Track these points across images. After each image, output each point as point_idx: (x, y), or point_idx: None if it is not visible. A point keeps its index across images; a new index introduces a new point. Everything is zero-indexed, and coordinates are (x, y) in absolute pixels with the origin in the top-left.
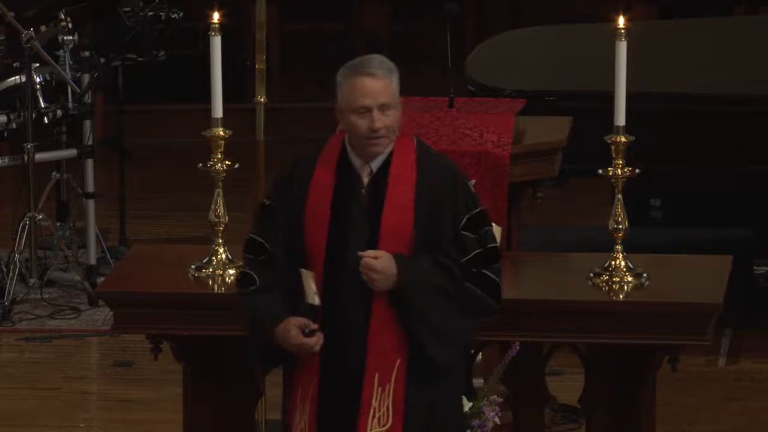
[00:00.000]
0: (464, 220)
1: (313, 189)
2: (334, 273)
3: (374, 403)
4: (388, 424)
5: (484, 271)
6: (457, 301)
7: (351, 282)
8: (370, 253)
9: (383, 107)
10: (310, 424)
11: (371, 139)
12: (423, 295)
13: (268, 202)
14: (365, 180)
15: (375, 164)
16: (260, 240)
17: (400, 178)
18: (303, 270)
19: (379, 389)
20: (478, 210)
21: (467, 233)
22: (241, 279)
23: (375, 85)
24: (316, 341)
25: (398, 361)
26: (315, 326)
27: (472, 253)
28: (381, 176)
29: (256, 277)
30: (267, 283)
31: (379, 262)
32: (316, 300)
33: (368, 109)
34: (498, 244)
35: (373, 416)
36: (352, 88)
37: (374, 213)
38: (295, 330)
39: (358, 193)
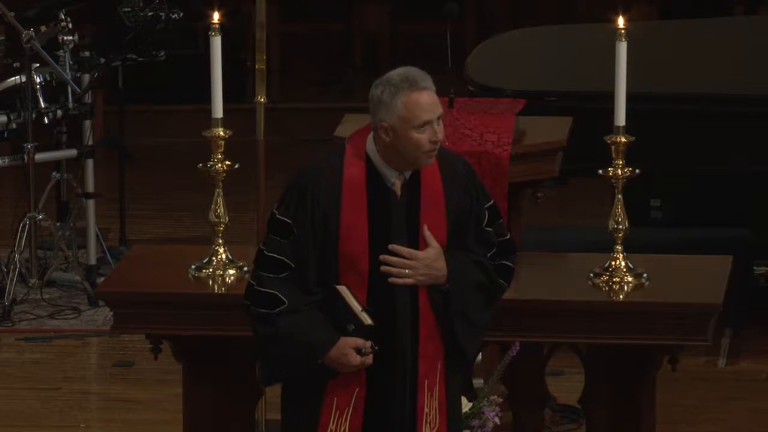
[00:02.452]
0: (486, 216)
1: (347, 205)
2: (381, 285)
3: (426, 408)
4: (436, 427)
5: (504, 262)
6: (489, 294)
7: (397, 293)
8: (404, 250)
9: (439, 118)
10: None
11: (431, 151)
12: (467, 292)
13: (287, 221)
14: (398, 190)
15: (407, 173)
16: (280, 257)
17: (429, 182)
18: (338, 287)
19: (429, 394)
20: (491, 202)
21: (488, 228)
22: (263, 299)
23: (431, 99)
24: (372, 359)
25: (439, 364)
26: (370, 345)
27: (495, 248)
28: (412, 183)
29: (282, 297)
30: (297, 304)
31: (430, 254)
32: (368, 319)
33: (429, 123)
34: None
35: (426, 421)
36: (412, 105)
37: (411, 219)
38: (352, 353)
39: (393, 203)
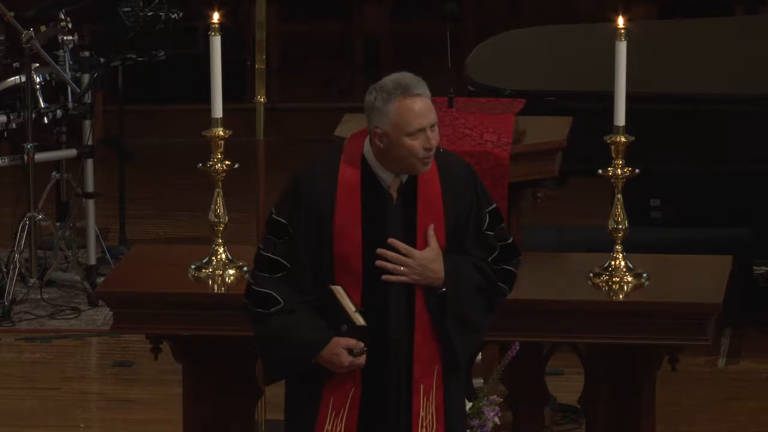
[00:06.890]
0: (487, 220)
1: (341, 205)
2: (374, 287)
3: (422, 412)
4: (433, 431)
5: (505, 266)
6: (488, 298)
7: (392, 295)
8: (402, 246)
9: (433, 125)
10: None
11: (425, 158)
12: (464, 295)
13: (283, 221)
14: (395, 193)
15: (404, 176)
16: (275, 257)
17: (427, 184)
18: (333, 287)
19: (425, 398)
20: (494, 206)
21: (489, 232)
22: (259, 299)
23: (425, 106)
24: (365, 360)
25: (437, 367)
26: (362, 346)
27: (497, 252)
28: (409, 187)
29: (278, 296)
30: (292, 304)
31: (428, 255)
32: (360, 320)
33: (422, 130)
34: (513, 238)
35: (422, 425)
36: (405, 111)
37: (407, 223)
38: (344, 353)
39: (389, 205)
